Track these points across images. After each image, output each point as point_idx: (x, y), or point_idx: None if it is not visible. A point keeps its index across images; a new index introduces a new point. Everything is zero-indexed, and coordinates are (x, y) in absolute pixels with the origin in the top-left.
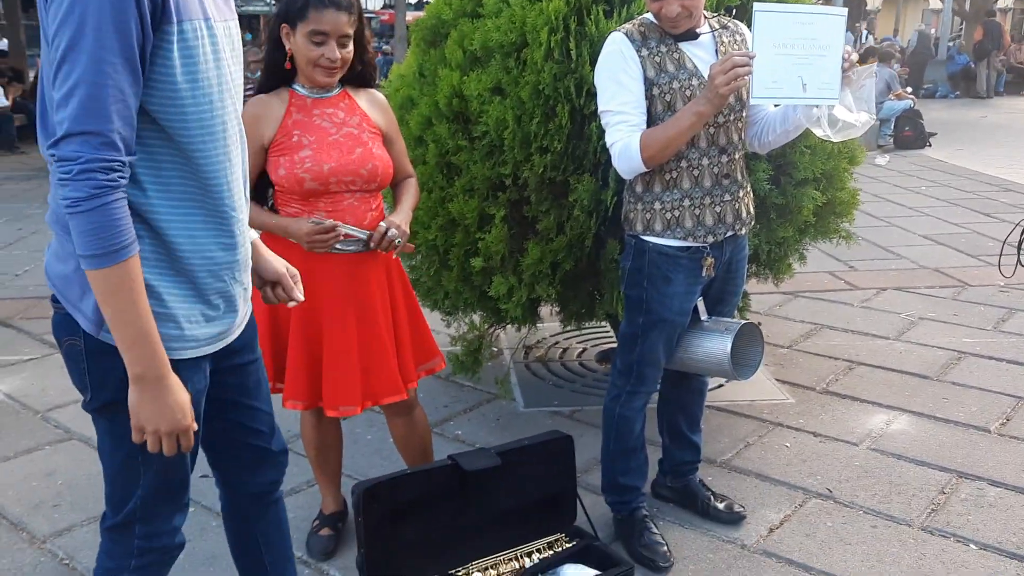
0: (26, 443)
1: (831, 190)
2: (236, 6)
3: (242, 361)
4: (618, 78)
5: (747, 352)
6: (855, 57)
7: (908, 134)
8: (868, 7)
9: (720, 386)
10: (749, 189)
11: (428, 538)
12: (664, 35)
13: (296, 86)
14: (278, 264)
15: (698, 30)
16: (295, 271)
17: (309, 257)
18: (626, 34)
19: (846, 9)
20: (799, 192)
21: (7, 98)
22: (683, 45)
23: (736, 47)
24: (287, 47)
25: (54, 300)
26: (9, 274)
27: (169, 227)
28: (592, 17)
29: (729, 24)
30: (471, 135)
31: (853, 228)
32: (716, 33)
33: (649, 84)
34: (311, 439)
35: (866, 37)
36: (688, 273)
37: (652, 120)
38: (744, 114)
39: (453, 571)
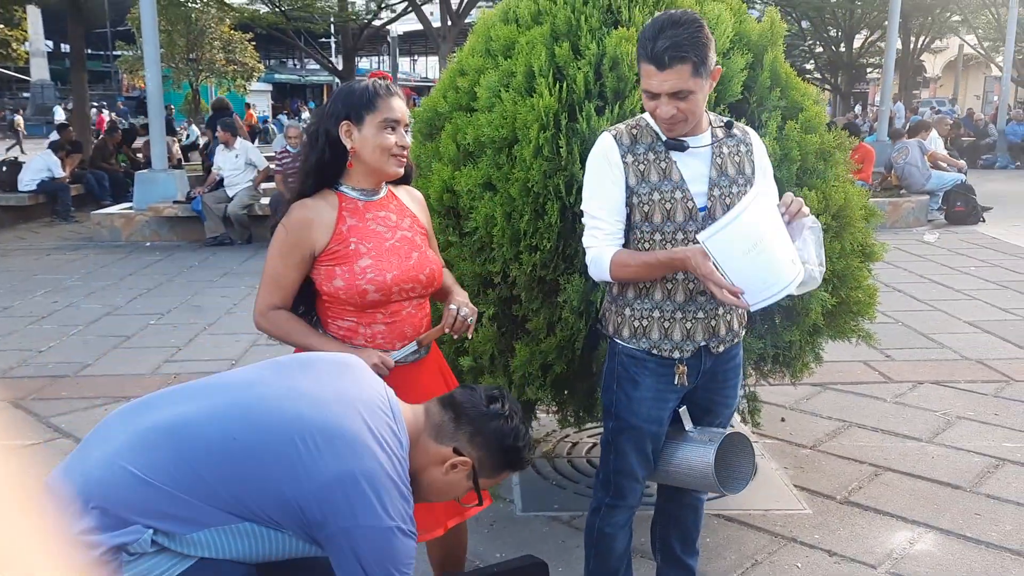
0: None
1: (844, 289)
2: (301, 77)
3: None
4: (600, 182)
5: (737, 464)
6: (795, 207)
7: (960, 209)
8: (928, 74)
9: None
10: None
11: None
12: (656, 139)
13: (344, 188)
14: None
15: (697, 136)
16: None
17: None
18: (615, 136)
19: (756, 187)
20: (806, 294)
21: (65, 169)
22: (675, 154)
23: (737, 158)
24: (349, 145)
25: None
26: (33, 351)
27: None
28: (584, 114)
29: (736, 132)
30: (462, 231)
31: (892, 312)
32: (715, 145)
33: (630, 192)
34: None
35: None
36: (657, 378)
37: (630, 227)
38: None
39: None
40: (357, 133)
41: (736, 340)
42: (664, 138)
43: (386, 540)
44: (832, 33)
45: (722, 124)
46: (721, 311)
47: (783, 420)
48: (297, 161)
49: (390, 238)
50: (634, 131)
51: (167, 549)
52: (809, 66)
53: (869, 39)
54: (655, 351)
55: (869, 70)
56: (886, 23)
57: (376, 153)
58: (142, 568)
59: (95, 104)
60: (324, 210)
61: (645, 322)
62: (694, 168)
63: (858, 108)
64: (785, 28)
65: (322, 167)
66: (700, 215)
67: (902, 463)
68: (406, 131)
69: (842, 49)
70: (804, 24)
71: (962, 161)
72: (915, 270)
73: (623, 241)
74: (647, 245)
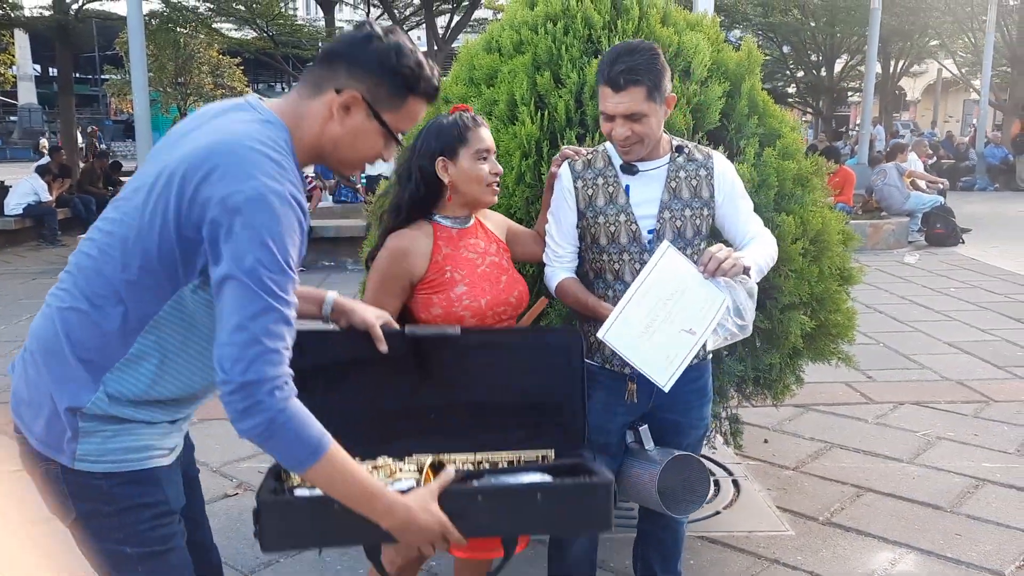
0: None
1: (823, 312)
2: None
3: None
4: (557, 206)
5: (692, 487)
6: (711, 266)
7: (939, 231)
8: (908, 98)
9: (717, 513)
10: None
11: (365, 412)
12: (608, 165)
13: (438, 218)
14: (367, 313)
15: (653, 159)
16: (386, 316)
17: None
18: (570, 164)
19: (666, 243)
20: (785, 317)
21: (51, 194)
22: (626, 177)
23: (695, 182)
24: (447, 179)
25: (18, 431)
26: None
27: (176, 379)
28: (565, 142)
29: (698, 156)
30: None
31: (873, 333)
32: (671, 168)
33: (580, 215)
34: None
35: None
36: (608, 392)
37: (583, 247)
38: (689, 253)
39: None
40: (453, 167)
41: (695, 362)
42: (618, 163)
43: (255, 206)
44: (813, 58)
45: (684, 146)
46: None
47: (766, 441)
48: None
49: (480, 264)
50: (590, 156)
51: (122, 420)
52: (791, 90)
53: (849, 63)
54: (607, 365)
55: (850, 94)
56: (866, 48)
57: (472, 184)
58: (94, 446)
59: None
60: (421, 240)
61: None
62: (647, 191)
63: (854, 133)
64: (765, 54)
65: (415, 203)
66: (648, 237)
67: (883, 484)
68: (496, 159)
69: (823, 73)
70: (785, 49)
71: (944, 179)
72: (896, 291)
73: (575, 264)
74: (597, 265)
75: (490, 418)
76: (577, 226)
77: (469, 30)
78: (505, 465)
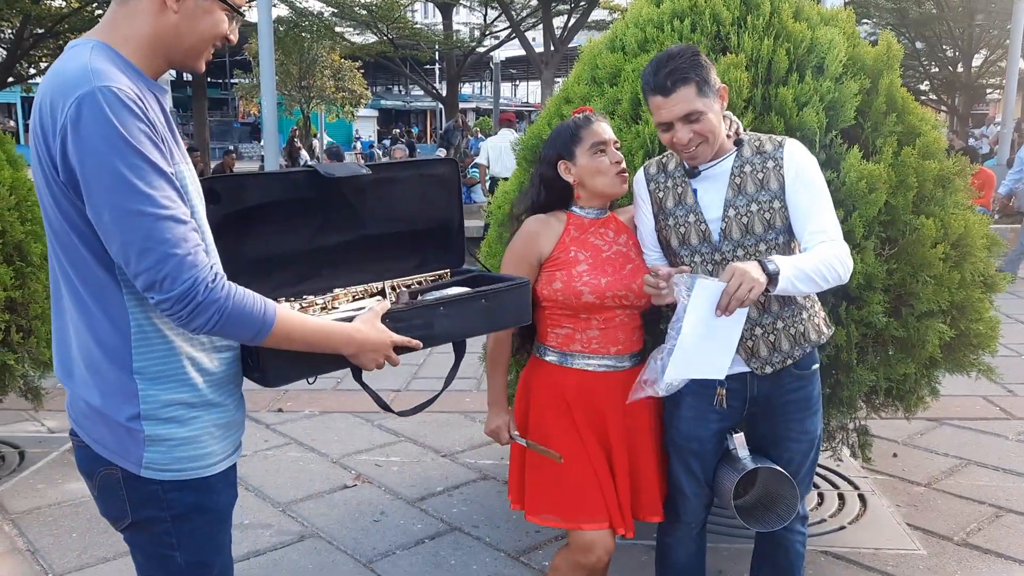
0: None
1: (964, 321)
2: (405, 103)
3: None
4: (636, 215)
5: (781, 504)
6: (732, 303)
7: None
8: None
9: (842, 528)
10: (781, 325)
11: (278, 253)
12: (680, 164)
13: (574, 208)
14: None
15: (718, 159)
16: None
17: (586, 377)
18: (645, 168)
19: (688, 278)
20: (923, 325)
21: None
22: (692, 181)
23: (761, 175)
24: (570, 179)
25: (74, 435)
26: None
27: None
28: None
29: (768, 147)
30: None
31: (1015, 345)
32: (736, 163)
33: (654, 218)
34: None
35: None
36: (698, 398)
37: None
38: (763, 248)
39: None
40: (574, 167)
41: (789, 362)
42: (687, 166)
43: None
44: (949, 53)
45: (753, 139)
46: (759, 331)
47: (895, 455)
48: None
49: (607, 251)
50: (663, 160)
51: (184, 420)
52: (924, 87)
53: (989, 59)
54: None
55: (989, 91)
56: (1007, 42)
57: (596, 177)
58: (160, 455)
59: None
60: (553, 224)
61: None
62: (713, 191)
63: (988, 130)
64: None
65: (537, 207)
66: (716, 238)
67: None
68: (619, 148)
69: (959, 70)
70: (918, 44)
71: None
72: None
73: (664, 264)
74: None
75: (387, 249)
76: (656, 228)
77: (585, 31)
78: (417, 286)
